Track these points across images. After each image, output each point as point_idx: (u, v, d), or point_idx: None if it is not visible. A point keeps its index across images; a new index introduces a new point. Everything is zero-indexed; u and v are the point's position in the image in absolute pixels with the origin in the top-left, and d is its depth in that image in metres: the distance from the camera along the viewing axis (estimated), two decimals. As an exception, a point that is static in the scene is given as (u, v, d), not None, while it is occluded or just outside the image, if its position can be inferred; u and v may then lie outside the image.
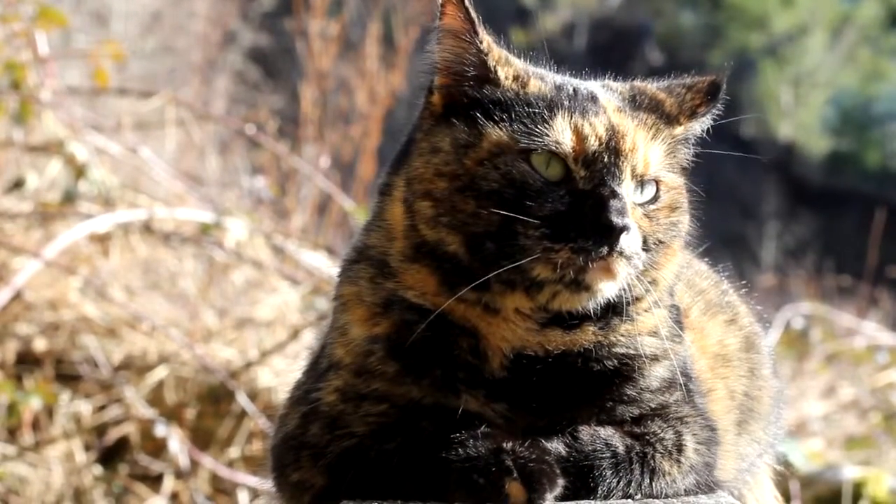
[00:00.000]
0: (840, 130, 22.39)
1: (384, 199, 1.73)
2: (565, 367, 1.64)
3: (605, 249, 1.58)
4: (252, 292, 5.15)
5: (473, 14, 1.67)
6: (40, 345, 4.49)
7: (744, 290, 2.12)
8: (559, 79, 1.73)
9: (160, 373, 4.47)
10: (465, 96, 1.67)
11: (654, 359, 1.68)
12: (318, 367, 1.76)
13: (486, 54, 1.67)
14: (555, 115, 1.63)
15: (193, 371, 4.49)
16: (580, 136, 1.62)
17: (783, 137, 21.44)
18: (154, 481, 4.31)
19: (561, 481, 1.54)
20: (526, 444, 1.55)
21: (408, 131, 1.76)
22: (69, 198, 4.59)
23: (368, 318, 1.69)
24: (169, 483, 4.25)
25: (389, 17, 7.63)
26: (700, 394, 1.78)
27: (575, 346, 1.64)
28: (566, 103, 1.65)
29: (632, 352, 1.67)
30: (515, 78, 1.68)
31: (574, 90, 1.68)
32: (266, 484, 1.83)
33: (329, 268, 4.88)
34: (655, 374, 1.68)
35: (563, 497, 1.56)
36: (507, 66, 1.69)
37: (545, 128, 1.62)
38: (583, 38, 21.69)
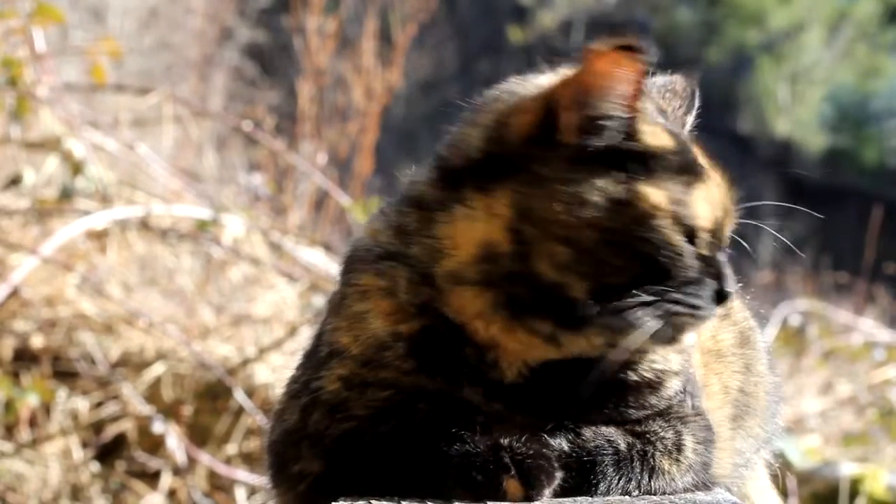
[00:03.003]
0: (837, 127, 22.38)
1: (437, 214, 1.64)
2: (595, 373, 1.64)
3: (713, 313, 1.64)
4: (249, 289, 5.15)
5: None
6: (37, 341, 4.49)
7: (740, 286, 2.12)
8: (680, 130, 1.73)
9: (157, 369, 4.48)
10: (607, 145, 1.61)
11: (677, 374, 1.71)
12: (316, 357, 1.73)
13: (640, 117, 1.63)
14: (694, 180, 1.64)
15: (191, 368, 4.49)
16: (714, 206, 1.65)
17: (780, 134, 21.45)
18: (151, 478, 4.31)
19: (559, 475, 1.55)
20: (524, 440, 1.55)
21: (480, 146, 1.65)
22: (66, 194, 4.59)
23: (394, 313, 1.65)
24: (166, 480, 4.26)
25: (387, 14, 7.63)
26: (698, 394, 1.79)
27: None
28: (697, 167, 1.65)
29: (665, 367, 1.69)
30: (656, 134, 1.64)
31: (692, 147, 1.68)
32: (264, 481, 1.83)
33: (327, 264, 4.88)
34: (674, 386, 1.71)
35: (562, 491, 1.57)
36: (652, 124, 1.65)
37: (687, 193, 1.62)
38: (580, 35, 21.67)
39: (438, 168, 1.68)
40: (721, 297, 1.63)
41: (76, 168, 4.57)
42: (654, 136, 1.63)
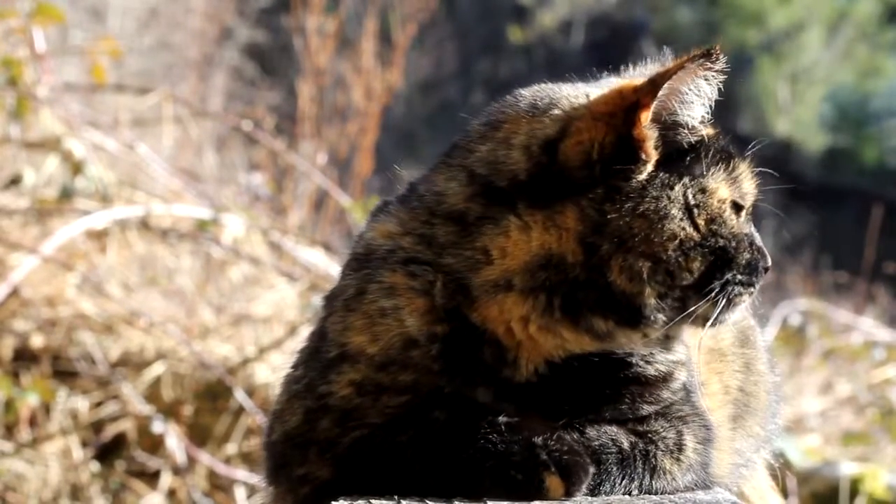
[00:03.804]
0: (837, 127, 22.37)
1: (481, 227, 1.62)
2: (613, 366, 1.65)
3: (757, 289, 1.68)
4: (249, 289, 5.15)
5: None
6: (37, 341, 4.49)
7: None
8: None
9: (157, 369, 4.48)
10: (674, 145, 1.63)
11: (684, 364, 1.71)
12: (322, 357, 1.67)
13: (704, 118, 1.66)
14: (738, 163, 1.68)
15: (191, 367, 4.50)
16: (752, 180, 1.70)
17: (780, 134, 21.45)
18: (151, 478, 4.31)
19: (592, 469, 1.54)
20: (554, 436, 1.53)
21: (527, 168, 1.63)
22: (66, 194, 4.59)
23: (429, 313, 1.62)
24: (166, 479, 4.26)
25: (387, 14, 7.64)
26: (695, 389, 1.78)
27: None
28: (732, 148, 1.69)
29: (675, 358, 1.70)
30: (706, 125, 1.67)
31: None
32: (262, 481, 1.79)
33: (327, 264, 4.88)
34: (681, 377, 1.71)
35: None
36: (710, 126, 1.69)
37: (735, 174, 1.67)
38: (580, 35, 21.68)
39: (478, 185, 1.65)
40: (766, 270, 1.67)
41: (76, 168, 4.57)
42: (706, 126, 1.66)
